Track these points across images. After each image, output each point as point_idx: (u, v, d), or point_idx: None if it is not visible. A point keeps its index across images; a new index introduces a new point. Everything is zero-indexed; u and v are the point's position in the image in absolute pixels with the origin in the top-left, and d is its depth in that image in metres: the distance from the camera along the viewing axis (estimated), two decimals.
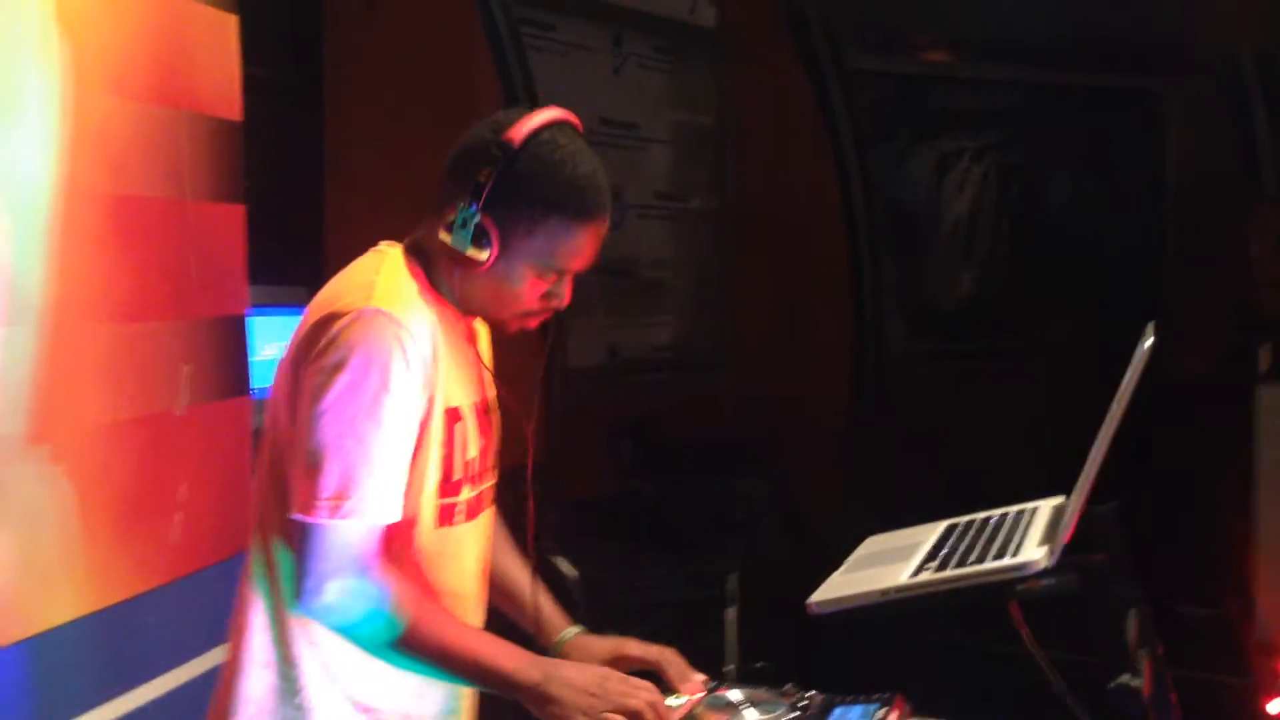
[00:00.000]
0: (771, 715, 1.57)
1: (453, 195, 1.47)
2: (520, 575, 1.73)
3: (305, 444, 1.38)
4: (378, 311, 1.40)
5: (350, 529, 1.38)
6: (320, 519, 1.37)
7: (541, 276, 1.50)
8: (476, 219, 1.44)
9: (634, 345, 4.47)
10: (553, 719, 1.42)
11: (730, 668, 3.41)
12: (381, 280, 1.45)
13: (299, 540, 1.39)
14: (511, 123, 1.47)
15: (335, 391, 1.37)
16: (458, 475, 1.52)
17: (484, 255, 1.46)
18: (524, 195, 1.45)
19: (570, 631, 1.69)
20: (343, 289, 1.46)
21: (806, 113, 4.46)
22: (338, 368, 1.37)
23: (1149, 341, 1.37)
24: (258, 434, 2.39)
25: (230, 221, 2.39)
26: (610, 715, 1.41)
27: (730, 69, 4.68)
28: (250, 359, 2.48)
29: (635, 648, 1.65)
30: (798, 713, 1.59)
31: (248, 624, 1.51)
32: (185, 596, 2.19)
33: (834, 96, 4.44)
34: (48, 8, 1.87)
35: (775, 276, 4.54)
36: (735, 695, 1.62)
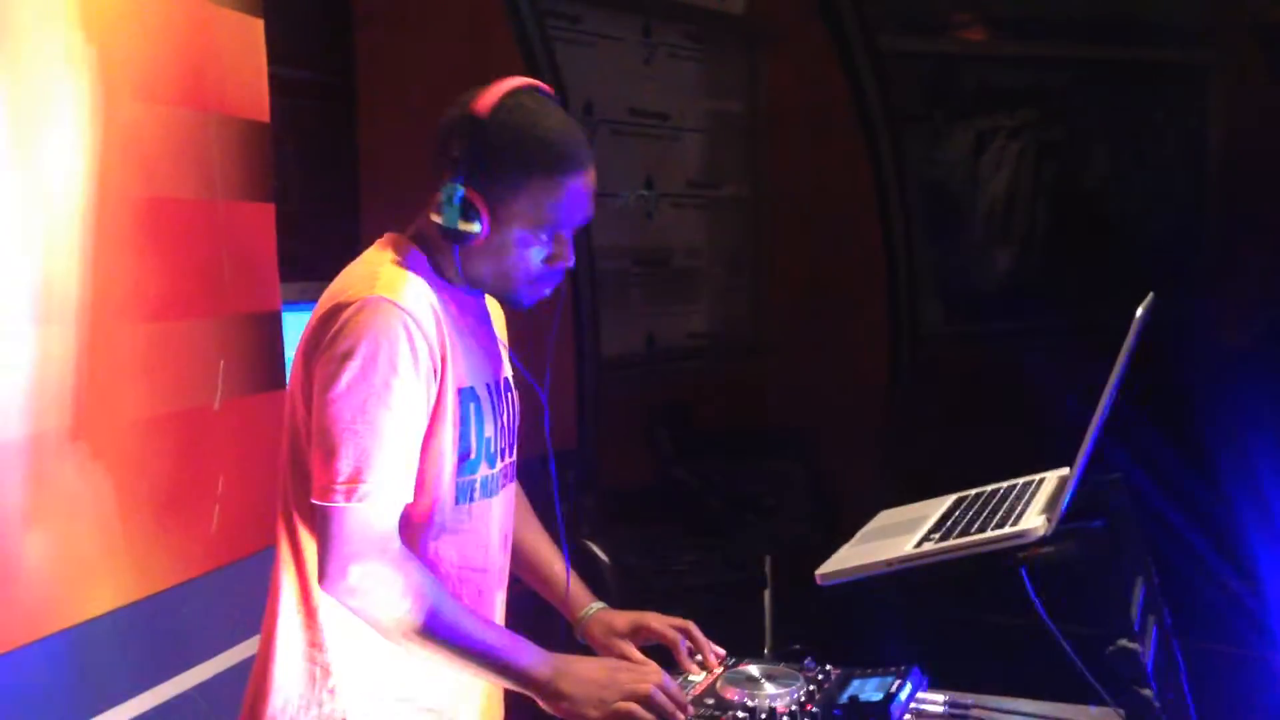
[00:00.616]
0: (789, 688, 1.59)
1: (436, 177, 1.50)
2: (545, 549, 1.77)
3: (320, 431, 1.43)
4: (381, 299, 1.43)
5: (367, 511, 1.42)
6: (338, 503, 1.41)
7: (537, 239, 1.51)
8: (460, 194, 1.47)
9: (670, 333, 4.50)
10: (565, 714, 1.46)
11: (767, 651, 3.44)
12: (385, 269, 1.49)
13: (319, 525, 1.43)
14: (476, 96, 1.50)
15: (345, 379, 1.41)
16: (475, 454, 1.55)
17: (475, 228, 1.48)
18: (499, 161, 1.48)
19: (594, 606, 1.73)
20: (348, 280, 1.50)
21: (839, 96, 4.45)
22: (346, 355, 1.41)
23: (1139, 311, 1.38)
24: None
25: (261, 220, 2.44)
26: (622, 705, 1.44)
27: (761, 55, 4.68)
28: (284, 354, 2.53)
29: (655, 620, 1.68)
30: (814, 686, 1.61)
31: (277, 611, 1.55)
32: (222, 587, 2.25)
33: (866, 79, 4.42)
34: (75, 16, 1.92)
35: (810, 261, 4.54)
36: (754, 670, 1.64)
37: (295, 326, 2.76)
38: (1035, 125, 4.92)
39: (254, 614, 2.30)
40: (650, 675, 1.49)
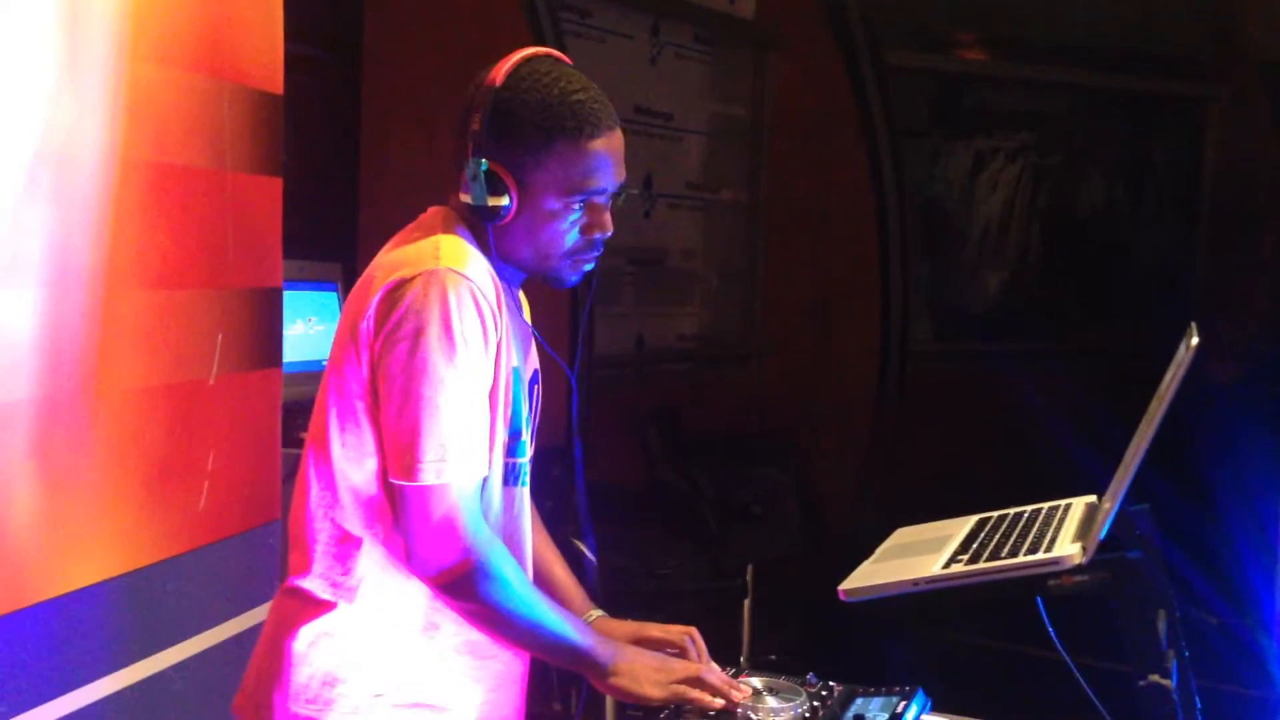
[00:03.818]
0: (792, 703, 1.56)
1: (459, 156, 1.47)
2: (547, 550, 1.74)
3: (399, 410, 1.39)
4: (449, 270, 1.40)
5: (456, 489, 1.39)
6: (427, 481, 1.38)
7: (569, 206, 1.47)
8: (484, 167, 1.44)
9: (661, 335, 4.48)
10: (620, 693, 1.49)
11: (743, 658, 3.42)
12: (445, 241, 1.45)
13: (406, 506, 1.40)
14: (490, 69, 1.47)
15: (421, 355, 1.37)
16: (525, 434, 1.53)
17: (504, 200, 1.45)
18: (520, 129, 1.44)
19: (592, 614, 1.70)
20: (406, 254, 1.45)
21: (842, 107, 4.44)
22: (419, 331, 1.38)
23: (1193, 340, 1.36)
24: (286, 408, 2.43)
25: (268, 194, 2.39)
26: (679, 686, 1.49)
27: (768, 61, 4.67)
28: (282, 332, 2.49)
29: (656, 630, 1.65)
30: (817, 703, 1.59)
31: (301, 587, 1.49)
32: (208, 565, 2.20)
33: (871, 92, 4.42)
34: None
35: (805, 270, 4.54)
36: (756, 682, 1.62)
37: (291, 305, 2.73)
38: (1033, 149, 4.94)
39: (240, 593, 2.27)
40: (699, 663, 1.55)
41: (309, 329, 2.98)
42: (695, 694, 1.49)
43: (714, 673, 1.53)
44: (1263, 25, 4.30)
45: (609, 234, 1.51)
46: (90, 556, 1.94)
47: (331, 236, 3.32)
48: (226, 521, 2.26)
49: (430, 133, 3.44)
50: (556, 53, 1.52)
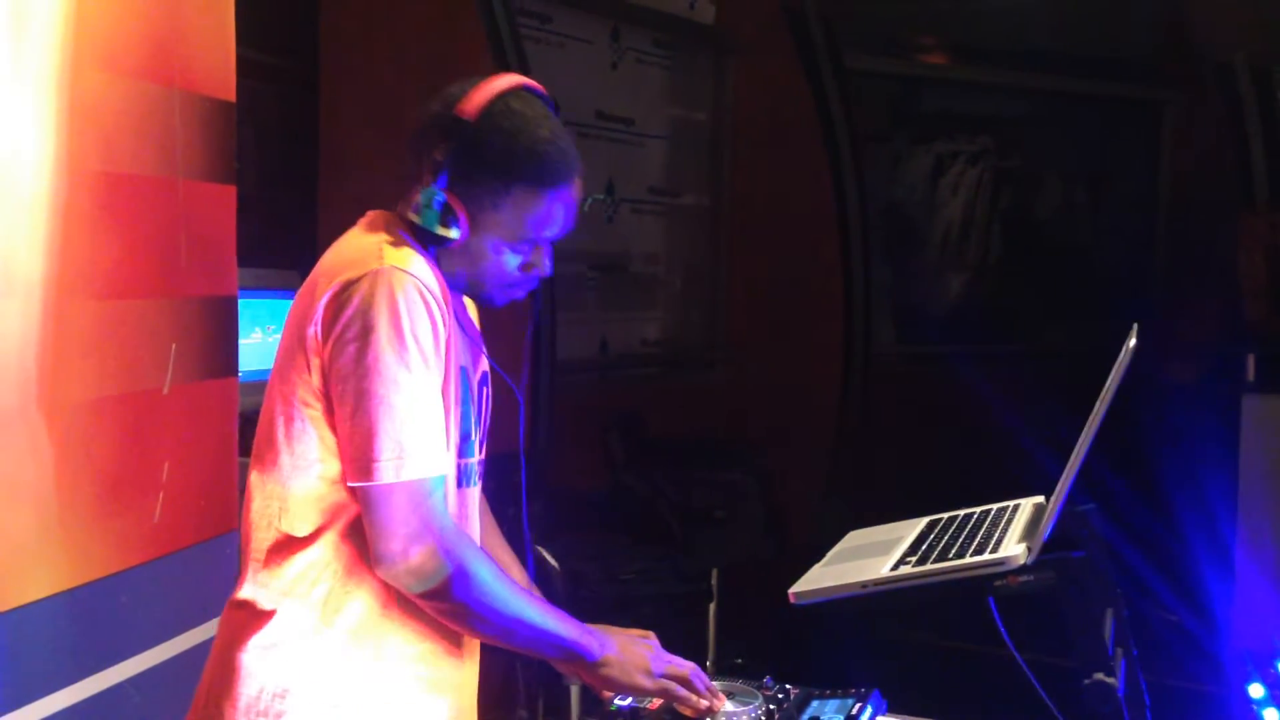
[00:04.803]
0: (748, 707, 1.57)
1: (416, 174, 1.46)
2: (504, 554, 1.74)
3: (353, 411, 1.38)
4: (394, 269, 1.39)
5: (417, 486, 1.38)
6: (385, 480, 1.37)
7: (516, 249, 1.49)
8: (441, 199, 1.44)
9: (624, 339, 4.48)
10: (609, 684, 1.51)
11: (709, 662, 3.42)
12: (387, 244, 1.44)
13: (370, 507, 1.39)
14: (464, 94, 1.46)
15: (372, 354, 1.37)
16: (475, 435, 1.53)
17: (453, 234, 1.45)
18: (483, 169, 1.44)
19: None
20: (350, 256, 1.44)
21: (803, 112, 4.46)
22: (368, 331, 1.37)
23: (1131, 342, 1.38)
24: (243, 418, 2.41)
25: (221, 202, 2.37)
26: (666, 682, 1.51)
27: (728, 66, 4.68)
28: (238, 341, 2.47)
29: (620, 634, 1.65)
30: (774, 706, 1.59)
31: (252, 598, 1.48)
32: (163, 577, 2.18)
33: (831, 96, 4.44)
34: None
35: (767, 274, 4.55)
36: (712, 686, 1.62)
37: (248, 313, 2.71)
38: (994, 152, 4.98)
39: (194, 605, 2.25)
40: (686, 661, 1.56)
41: (266, 337, 2.96)
42: (683, 692, 1.52)
43: (701, 677, 1.55)
44: (1215, 27, 4.35)
45: (548, 274, 1.53)
46: (42, 570, 1.91)
47: (289, 243, 3.30)
48: (182, 533, 2.24)
49: (388, 137, 3.41)
50: (534, 84, 1.51)
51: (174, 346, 2.20)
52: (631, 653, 1.52)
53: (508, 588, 1.46)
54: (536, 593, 1.67)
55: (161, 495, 2.17)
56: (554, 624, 1.48)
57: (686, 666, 1.55)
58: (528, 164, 1.45)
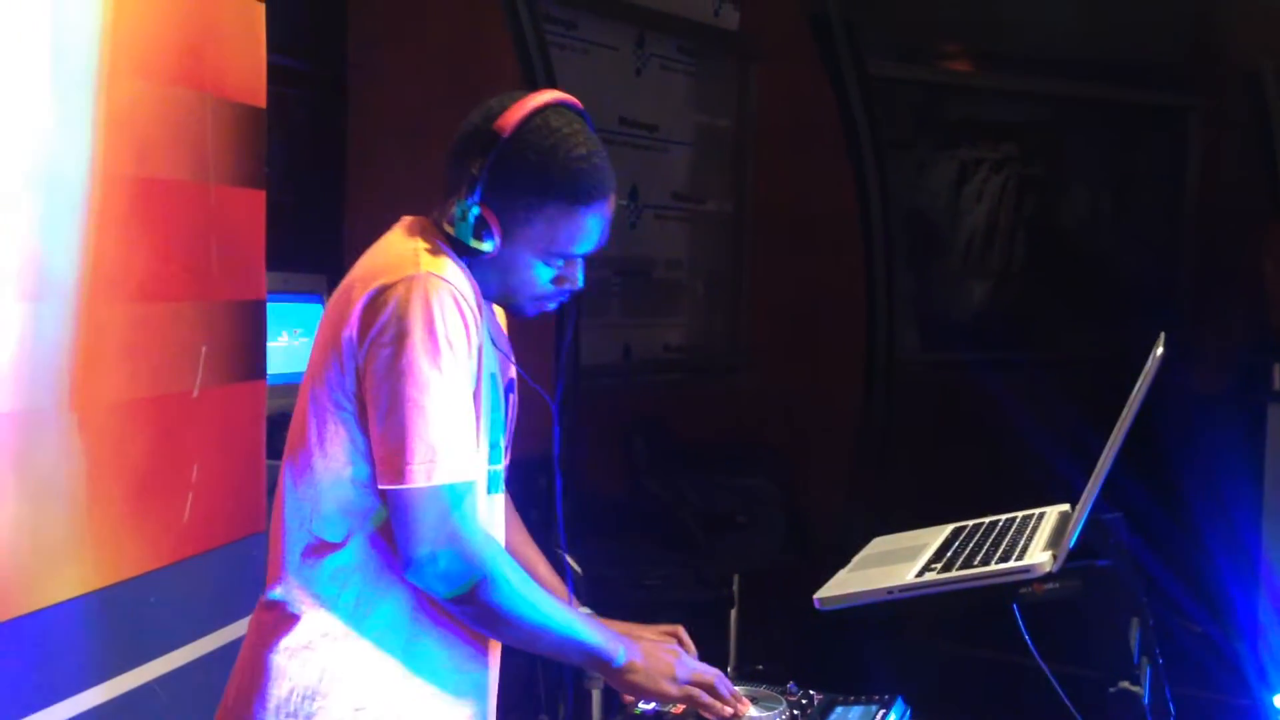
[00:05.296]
0: (772, 713, 1.58)
1: (453, 186, 1.48)
2: (530, 555, 1.75)
3: (386, 414, 1.39)
4: (429, 274, 1.41)
5: (448, 490, 1.39)
6: (417, 483, 1.38)
7: (548, 263, 1.51)
8: (476, 213, 1.45)
9: (647, 345, 4.49)
10: (634, 689, 1.51)
11: (730, 667, 3.42)
12: (422, 250, 1.46)
13: (399, 511, 1.40)
14: (504, 109, 1.48)
15: (406, 359, 1.38)
16: (501, 441, 1.54)
17: (487, 247, 1.47)
18: (518, 185, 1.46)
19: (582, 613, 1.71)
20: (385, 261, 1.46)
21: (827, 118, 4.46)
22: (403, 336, 1.38)
23: (1159, 351, 1.38)
24: (270, 421, 2.43)
25: (251, 206, 2.40)
26: (691, 689, 1.52)
27: (752, 73, 4.68)
28: (266, 344, 2.49)
29: (645, 632, 1.66)
30: (798, 711, 1.60)
31: (282, 600, 1.49)
32: (191, 578, 2.20)
33: (855, 103, 4.43)
34: None
35: (790, 281, 4.54)
36: (737, 691, 1.63)
37: (276, 317, 2.73)
38: (1018, 160, 4.96)
39: (223, 605, 2.27)
40: (710, 666, 1.57)
41: (293, 341, 2.99)
42: (707, 699, 1.53)
43: (725, 684, 1.55)
44: (1242, 34, 4.33)
45: (579, 288, 1.55)
46: (73, 569, 1.94)
47: (316, 248, 3.33)
48: (210, 534, 2.26)
49: (416, 143, 3.45)
50: (572, 100, 1.53)
51: (204, 349, 2.23)
52: (656, 659, 1.53)
53: (534, 593, 1.47)
54: (564, 594, 1.68)
55: (191, 496, 2.20)
56: (580, 629, 1.49)
57: (711, 673, 1.55)
58: (562, 181, 1.47)
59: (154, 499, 2.12)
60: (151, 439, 2.11)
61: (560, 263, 1.52)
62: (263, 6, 2.40)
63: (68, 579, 1.93)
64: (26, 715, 1.85)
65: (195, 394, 2.21)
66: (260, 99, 2.40)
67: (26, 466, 1.83)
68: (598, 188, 1.49)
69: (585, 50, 4.08)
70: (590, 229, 1.50)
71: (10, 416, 1.79)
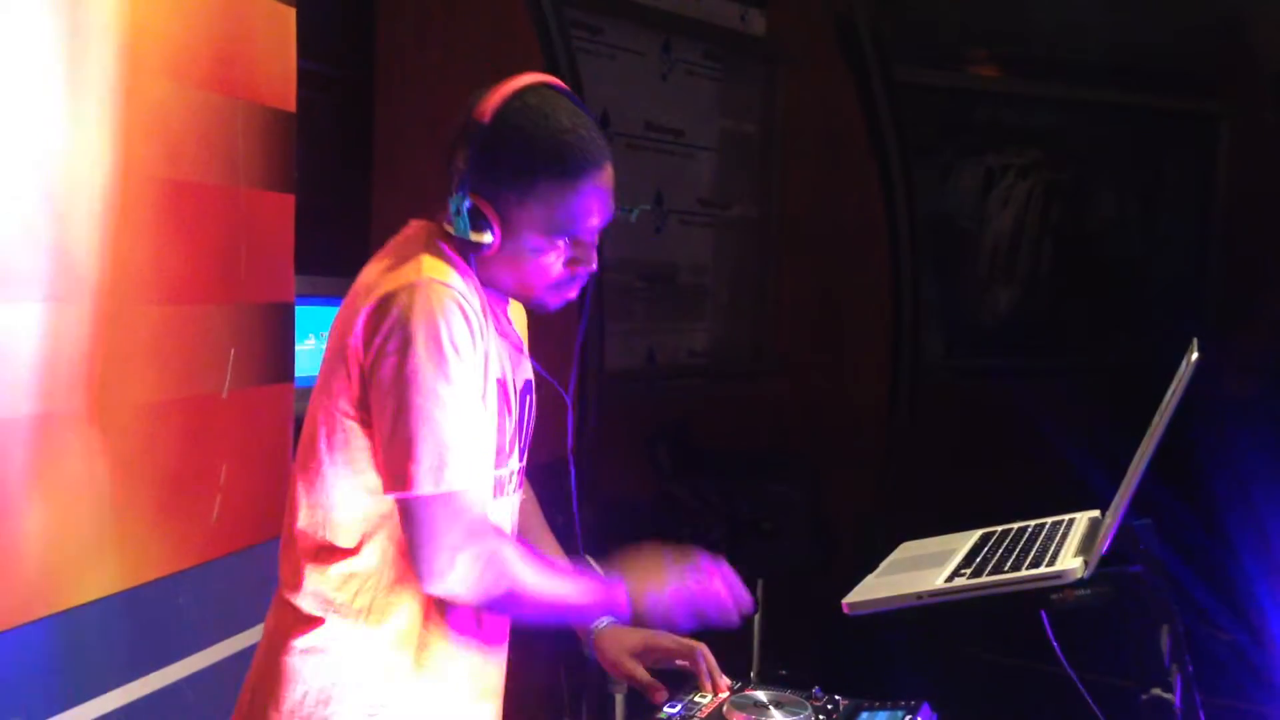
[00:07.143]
0: (797, 717, 1.57)
1: (449, 184, 1.47)
2: (552, 553, 1.75)
3: (392, 423, 1.39)
4: (431, 281, 1.41)
5: (456, 497, 1.40)
6: (425, 491, 1.38)
7: (553, 244, 1.48)
8: (468, 204, 1.44)
9: (672, 350, 4.48)
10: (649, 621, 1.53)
11: (753, 673, 3.42)
12: (425, 256, 1.46)
13: (409, 518, 1.41)
14: (482, 98, 1.46)
15: (410, 367, 1.38)
16: (509, 447, 1.54)
17: (486, 238, 1.45)
18: (505, 168, 1.44)
19: (604, 620, 1.70)
20: (388, 269, 1.46)
21: (853, 124, 4.45)
22: (407, 343, 1.38)
23: (1194, 356, 1.37)
24: (298, 423, 2.44)
25: (280, 210, 2.42)
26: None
27: (778, 78, 4.68)
28: (294, 347, 2.51)
29: (667, 640, 1.66)
30: (823, 716, 1.59)
31: (295, 602, 1.50)
32: (219, 578, 2.22)
33: (881, 108, 4.42)
34: None
35: (816, 286, 4.54)
36: (762, 696, 1.62)
37: (303, 319, 2.74)
38: (1044, 165, 4.94)
39: (251, 606, 2.28)
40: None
41: (320, 344, 3.00)
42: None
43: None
44: (1271, 39, 4.30)
45: (594, 269, 1.52)
46: (101, 569, 1.95)
47: (344, 252, 3.33)
48: (238, 535, 2.27)
49: (441, 149, 3.45)
50: (552, 79, 1.51)
51: (232, 351, 2.25)
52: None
53: (546, 582, 1.48)
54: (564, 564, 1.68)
55: (219, 497, 2.21)
56: (584, 597, 1.52)
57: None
58: (548, 156, 1.44)
59: (182, 500, 2.14)
60: (180, 440, 2.13)
61: (569, 244, 1.49)
62: (293, 11, 2.42)
63: (96, 579, 1.94)
64: (56, 714, 1.86)
65: (224, 396, 2.23)
66: (290, 103, 2.42)
67: (56, 467, 1.85)
68: (586, 159, 1.45)
69: (612, 55, 4.09)
70: (588, 202, 1.47)
71: (40, 418, 1.81)
